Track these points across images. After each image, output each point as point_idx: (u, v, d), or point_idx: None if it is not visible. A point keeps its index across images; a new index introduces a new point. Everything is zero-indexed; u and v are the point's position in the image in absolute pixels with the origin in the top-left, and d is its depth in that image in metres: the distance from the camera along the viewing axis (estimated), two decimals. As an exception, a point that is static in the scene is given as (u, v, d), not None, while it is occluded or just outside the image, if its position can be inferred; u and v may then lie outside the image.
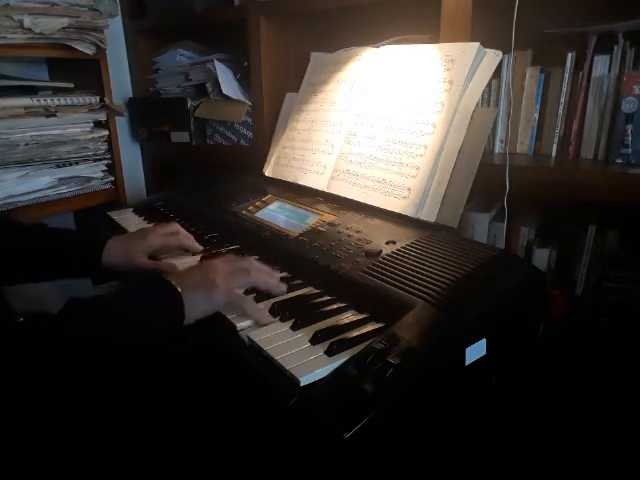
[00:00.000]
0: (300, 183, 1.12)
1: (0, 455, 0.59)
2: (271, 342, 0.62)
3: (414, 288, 0.67)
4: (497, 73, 0.94)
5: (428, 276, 0.69)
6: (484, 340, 0.60)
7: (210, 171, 1.34)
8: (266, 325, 0.67)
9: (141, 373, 0.74)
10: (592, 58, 0.91)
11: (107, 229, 1.12)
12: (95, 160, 1.44)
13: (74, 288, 1.00)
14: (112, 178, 1.50)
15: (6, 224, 0.89)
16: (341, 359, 0.58)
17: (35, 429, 0.59)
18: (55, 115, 1.31)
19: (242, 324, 0.67)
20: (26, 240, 0.85)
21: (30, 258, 0.84)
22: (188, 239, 0.91)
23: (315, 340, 0.62)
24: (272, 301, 0.72)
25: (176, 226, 0.92)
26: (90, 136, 1.41)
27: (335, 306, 0.71)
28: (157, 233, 0.88)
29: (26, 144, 1.27)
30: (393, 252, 0.77)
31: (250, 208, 1.06)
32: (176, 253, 0.91)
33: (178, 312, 0.64)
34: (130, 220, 1.16)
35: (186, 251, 0.91)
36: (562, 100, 0.95)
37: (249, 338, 0.64)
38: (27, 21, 1.18)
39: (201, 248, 0.92)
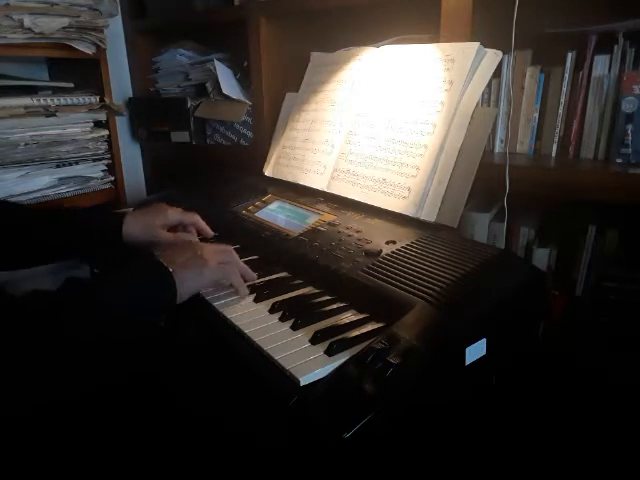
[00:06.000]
0: (300, 183, 1.12)
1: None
2: (271, 342, 0.62)
3: (414, 288, 0.67)
4: (497, 73, 0.94)
5: (428, 276, 0.69)
6: (484, 340, 0.60)
7: (210, 171, 1.34)
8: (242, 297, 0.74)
9: (141, 373, 0.74)
10: (592, 58, 0.91)
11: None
12: (95, 160, 1.44)
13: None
14: (112, 178, 1.49)
15: (24, 209, 0.93)
16: (341, 359, 0.58)
17: (35, 422, 0.59)
18: (55, 115, 1.31)
19: (240, 322, 0.67)
20: (49, 221, 0.88)
21: (54, 238, 0.87)
22: (202, 222, 0.94)
23: (315, 340, 0.62)
24: (272, 300, 0.72)
25: (195, 214, 0.94)
26: (90, 136, 1.41)
27: (335, 306, 0.71)
28: (175, 210, 0.92)
29: (26, 144, 1.27)
30: (393, 252, 0.77)
31: (250, 208, 1.06)
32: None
33: (171, 291, 0.67)
34: (130, 220, 1.15)
35: (199, 234, 0.94)
36: (562, 100, 0.95)
37: (249, 337, 0.64)
38: (27, 21, 1.17)
39: (213, 233, 0.95)
